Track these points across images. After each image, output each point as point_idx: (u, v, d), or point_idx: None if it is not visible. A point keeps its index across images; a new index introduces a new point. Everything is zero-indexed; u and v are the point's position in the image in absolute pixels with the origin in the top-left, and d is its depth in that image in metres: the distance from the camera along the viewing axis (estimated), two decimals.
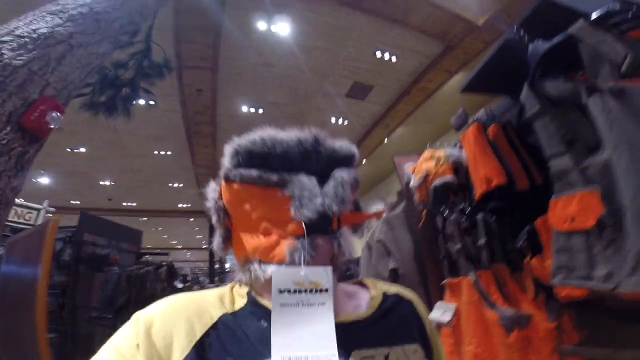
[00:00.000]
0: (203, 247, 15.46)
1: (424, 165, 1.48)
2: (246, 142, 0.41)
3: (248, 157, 0.41)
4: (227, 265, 11.68)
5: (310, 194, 0.39)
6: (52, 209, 3.03)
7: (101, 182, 9.18)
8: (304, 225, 0.38)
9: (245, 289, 0.44)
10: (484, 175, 1.16)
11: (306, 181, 0.40)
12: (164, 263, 2.92)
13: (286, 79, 6.11)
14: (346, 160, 0.45)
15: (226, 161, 0.43)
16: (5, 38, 1.35)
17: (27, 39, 1.40)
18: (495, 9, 4.64)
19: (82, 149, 7.42)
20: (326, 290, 0.38)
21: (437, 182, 1.38)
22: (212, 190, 0.46)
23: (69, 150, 7.29)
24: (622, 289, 0.64)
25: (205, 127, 7.11)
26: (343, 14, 4.96)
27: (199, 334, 0.37)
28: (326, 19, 5.07)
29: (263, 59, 5.73)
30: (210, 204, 0.46)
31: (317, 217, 0.38)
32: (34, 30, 1.46)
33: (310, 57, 5.65)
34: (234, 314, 0.41)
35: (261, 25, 5.12)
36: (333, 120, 7.15)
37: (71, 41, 1.59)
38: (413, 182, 1.50)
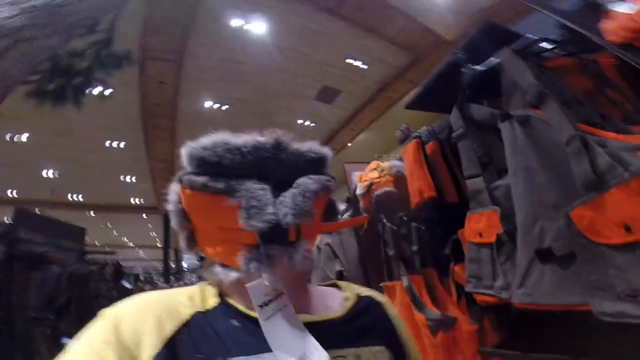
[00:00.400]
0: (157, 245, 14.69)
1: (369, 175, 1.56)
2: (198, 147, 0.40)
3: (199, 162, 0.40)
4: (184, 265, 11.23)
5: (259, 204, 0.37)
6: None
7: (43, 172, 8.42)
8: (256, 235, 0.37)
9: (215, 290, 0.44)
10: (418, 187, 1.24)
11: (255, 189, 0.38)
12: (109, 262, 2.77)
13: (256, 77, 6.05)
14: (314, 164, 0.43)
15: (183, 164, 0.41)
16: None
17: None
18: (465, 24, 4.92)
19: (24, 136, 6.79)
20: (282, 293, 0.39)
21: (379, 191, 1.47)
22: (173, 192, 0.44)
23: (8, 136, 6.63)
24: (514, 299, 0.72)
25: (165, 121, 6.83)
26: (320, 18, 5.02)
27: (169, 331, 0.37)
28: (304, 21, 5.11)
29: (232, 55, 5.64)
30: (170, 206, 0.45)
31: (269, 228, 0.37)
32: None
33: (283, 57, 5.65)
34: (206, 312, 0.40)
35: (236, 22, 5.04)
36: (300, 121, 7.18)
37: (16, 36, 1.55)
38: (359, 190, 1.57)
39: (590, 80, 0.80)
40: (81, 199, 10.13)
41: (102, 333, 0.36)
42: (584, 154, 0.55)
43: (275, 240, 0.38)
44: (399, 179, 1.46)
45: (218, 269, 0.41)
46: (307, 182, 0.40)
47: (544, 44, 0.87)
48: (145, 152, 7.73)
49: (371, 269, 1.58)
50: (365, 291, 0.53)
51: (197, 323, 0.39)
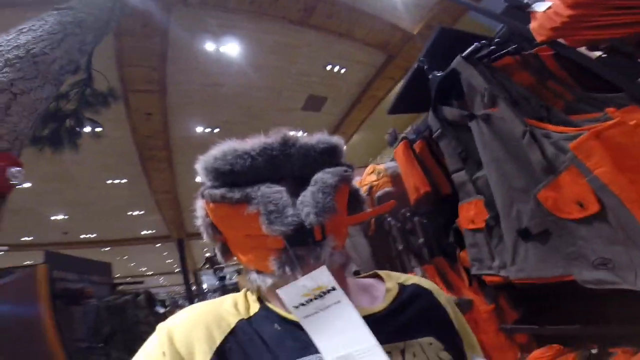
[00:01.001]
0: (175, 270, 14.80)
1: (368, 179, 1.68)
2: (209, 159, 0.41)
3: (215, 174, 0.40)
4: (204, 286, 11.28)
5: (277, 207, 0.37)
6: (5, 247, 2.87)
7: (52, 217, 8.54)
8: (282, 238, 0.37)
9: (255, 295, 0.45)
10: (413, 185, 1.36)
11: (270, 193, 0.38)
12: (141, 291, 2.93)
13: (238, 98, 6.17)
14: (327, 155, 0.42)
15: (201, 179, 0.43)
16: None
17: None
18: (427, 17, 5.08)
19: (27, 184, 6.90)
20: (333, 288, 0.37)
21: (380, 192, 1.58)
22: (199, 208, 0.45)
23: None
24: (510, 276, 0.83)
25: (160, 152, 6.92)
26: (291, 31, 5.15)
27: (218, 340, 0.38)
28: (275, 37, 5.23)
29: (213, 79, 5.74)
30: (199, 221, 0.45)
31: (293, 230, 0.36)
32: None
33: (262, 75, 5.76)
34: (249, 319, 0.41)
35: (209, 46, 5.16)
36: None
37: (13, 89, 1.56)
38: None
39: (533, 75, 0.91)
40: (93, 237, 10.26)
41: (159, 345, 0.38)
42: (535, 145, 0.67)
43: (301, 241, 0.37)
44: (396, 179, 1.57)
45: (254, 276, 0.42)
46: (324, 176, 0.39)
47: (491, 46, 0.99)
48: (148, 185, 7.83)
49: (384, 265, 1.69)
50: (411, 279, 0.51)
51: (243, 330, 0.40)
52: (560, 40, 0.82)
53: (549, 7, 0.79)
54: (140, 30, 4.51)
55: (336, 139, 0.45)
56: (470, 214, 0.96)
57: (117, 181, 7.64)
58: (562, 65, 0.91)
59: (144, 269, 15.90)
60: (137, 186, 7.85)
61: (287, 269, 0.38)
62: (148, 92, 5.64)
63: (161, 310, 3.38)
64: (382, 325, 0.40)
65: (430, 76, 1.19)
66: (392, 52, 5.75)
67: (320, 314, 0.36)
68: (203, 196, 0.42)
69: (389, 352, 0.37)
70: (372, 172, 1.67)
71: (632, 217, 0.51)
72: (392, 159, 1.73)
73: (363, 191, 1.64)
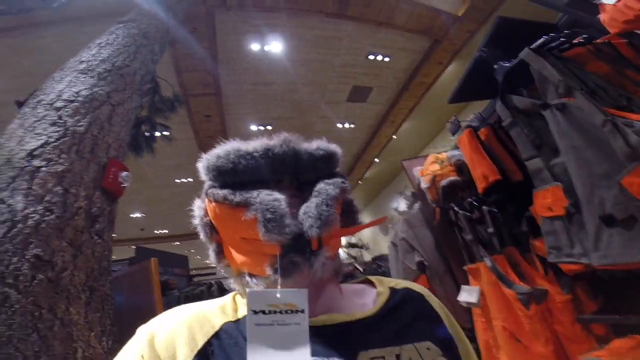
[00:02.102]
0: None
1: (430, 168, 1.69)
2: (212, 157, 0.41)
3: (216, 173, 0.41)
4: None
5: (275, 216, 0.37)
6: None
7: (131, 215, 9.70)
8: (278, 246, 0.37)
9: (246, 297, 0.44)
10: (481, 173, 1.36)
11: (270, 201, 0.38)
12: (213, 282, 3.24)
13: (287, 94, 6.38)
14: (325, 162, 0.43)
15: (202, 176, 0.43)
16: (58, 104, 1.47)
17: (76, 103, 1.50)
18: None
19: None
20: (302, 311, 0.36)
21: (444, 182, 1.59)
22: (198, 207, 0.46)
23: None
24: (593, 262, 0.82)
25: None
26: (330, 24, 5.20)
27: (200, 342, 0.38)
28: (315, 31, 5.32)
29: (261, 78, 6.00)
30: (196, 220, 0.46)
31: (290, 239, 0.37)
32: (77, 93, 1.56)
33: (306, 70, 5.90)
34: (237, 321, 0.41)
35: (254, 46, 5.41)
36: (339, 125, 7.37)
37: (110, 100, 1.69)
38: (423, 184, 1.71)
39: (609, 64, 0.89)
40: (166, 232, 11.42)
41: (138, 348, 0.37)
42: (617, 133, 0.68)
43: (298, 250, 0.38)
44: (460, 167, 1.58)
45: (247, 279, 0.42)
46: (326, 188, 0.40)
47: (560, 38, 0.97)
48: None
49: (450, 255, 1.70)
50: (401, 283, 0.50)
51: (228, 333, 0.39)
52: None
53: (619, 0, 0.79)
54: (190, 37, 4.85)
55: (334, 147, 0.45)
56: (547, 201, 0.97)
57: (184, 180, 8.41)
58: (638, 50, 0.88)
59: (208, 261, 17.29)
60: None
61: (280, 276, 0.37)
62: (206, 95, 6.07)
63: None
64: (374, 328, 0.41)
65: (495, 66, 1.19)
66: (437, 37, 5.51)
67: (275, 327, 0.36)
68: (207, 195, 0.42)
69: (382, 358, 0.37)
70: (434, 162, 1.69)
71: None
72: (454, 147, 1.73)
73: (426, 181, 1.70)
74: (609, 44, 0.93)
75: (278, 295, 0.36)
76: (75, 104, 1.51)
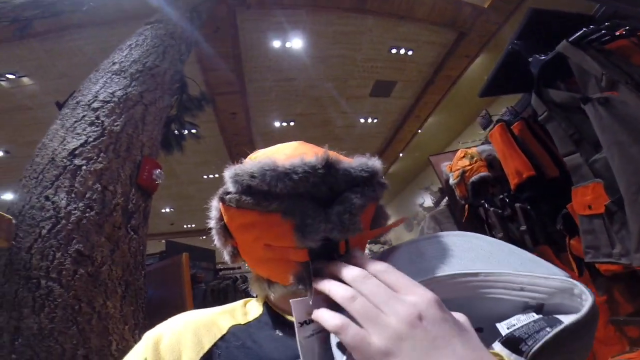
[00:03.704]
0: None
1: (459, 164, 1.65)
2: (245, 174, 0.38)
3: (248, 189, 0.38)
4: None
5: (313, 221, 0.36)
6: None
7: (163, 210, 10.15)
8: (306, 252, 0.37)
9: (260, 302, 0.45)
10: (514, 169, 1.31)
11: (309, 208, 0.37)
12: (239, 276, 3.33)
13: (308, 90, 6.39)
14: (367, 181, 0.41)
15: (227, 184, 0.41)
16: (95, 105, 1.54)
17: (112, 104, 1.56)
18: None
19: None
20: None
21: (475, 177, 1.55)
22: (214, 209, 0.45)
23: None
24: (635, 263, 0.79)
25: (245, 147, 7.47)
26: (350, 19, 5.13)
27: (207, 345, 0.38)
28: (335, 27, 5.27)
29: (284, 74, 6.04)
30: (211, 223, 0.45)
31: (321, 245, 0.37)
32: (113, 94, 1.61)
33: (327, 66, 5.87)
34: (247, 324, 0.41)
35: (276, 43, 5.45)
36: (362, 120, 7.31)
37: (143, 100, 1.74)
38: (452, 180, 1.67)
39: None
40: (193, 227, 11.86)
41: (143, 351, 0.37)
42: None
43: (325, 255, 0.37)
44: (492, 162, 1.52)
45: (264, 285, 0.42)
46: (353, 197, 0.38)
47: (601, 30, 0.91)
48: None
49: None
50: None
51: (236, 335, 0.39)
52: None
53: None
54: (213, 36, 4.88)
55: (377, 164, 0.42)
56: (587, 198, 0.92)
57: (211, 176, 8.68)
58: None
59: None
60: None
61: (303, 285, 0.36)
62: (231, 93, 6.20)
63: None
64: None
65: (530, 59, 1.14)
66: (462, 29, 5.29)
67: (314, 337, 0.34)
68: (224, 201, 0.40)
69: None
70: (463, 157, 1.64)
71: None
72: (485, 142, 1.68)
73: (455, 177, 1.65)
74: None
75: (311, 303, 0.35)
76: (111, 104, 1.57)
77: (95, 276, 1.17)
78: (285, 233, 0.37)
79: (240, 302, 0.47)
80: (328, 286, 0.33)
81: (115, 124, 1.52)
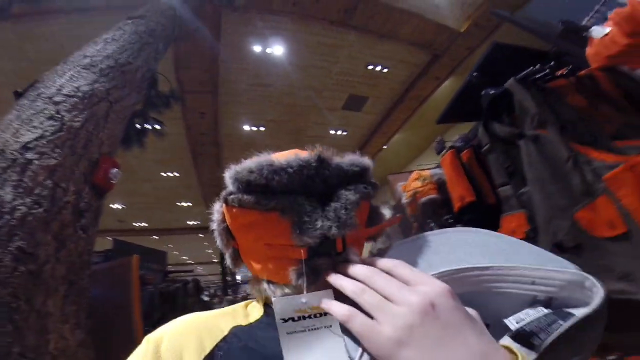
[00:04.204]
0: (214, 261, 15.80)
1: (413, 185, 1.78)
2: (243, 171, 0.40)
3: (247, 186, 0.40)
4: (238, 277, 11.96)
5: (310, 219, 0.38)
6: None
7: (112, 206, 9.52)
8: (305, 250, 0.38)
9: (260, 303, 0.45)
10: (459, 193, 1.44)
11: (306, 205, 0.38)
12: (190, 279, 3.24)
13: (283, 97, 6.45)
14: (358, 177, 0.43)
15: (227, 184, 0.42)
16: (58, 98, 1.48)
17: (75, 99, 1.52)
18: (474, 16, 4.95)
19: None
20: (327, 314, 0.36)
21: (424, 199, 1.68)
22: (216, 212, 0.46)
23: None
24: None
25: (210, 148, 7.44)
26: (333, 32, 5.30)
27: (208, 347, 0.38)
28: (318, 38, 5.42)
29: (260, 79, 6.06)
30: (214, 225, 0.46)
31: (319, 242, 0.37)
32: (78, 88, 1.57)
33: (305, 75, 5.99)
34: (249, 325, 0.41)
35: (256, 48, 5.46)
36: (332, 132, 7.47)
37: (109, 98, 1.71)
38: (404, 199, 1.80)
39: (586, 97, 0.96)
40: (145, 225, 11.25)
41: (143, 354, 0.38)
42: (576, 170, 0.76)
43: (323, 253, 0.38)
44: (441, 186, 1.66)
45: (264, 286, 0.42)
46: (347, 194, 0.40)
47: (546, 70, 1.04)
48: (197, 179, 8.46)
49: None
50: None
51: (238, 337, 0.39)
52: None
53: (606, 34, 0.83)
54: (193, 35, 4.84)
55: (367, 161, 0.45)
56: (512, 225, 1.05)
57: (170, 174, 8.34)
58: (618, 85, 0.94)
59: (185, 258, 17.11)
60: (187, 179, 8.52)
61: (301, 282, 0.37)
62: (202, 93, 6.07)
63: (206, 298, 3.68)
64: None
65: (482, 92, 1.24)
66: (437, 51, 5.67)
67: (307, 333, 0.35)
68: (226, 201, 0.41)
69: None
70: (417, 179, 1.77)
71: None
72: (438, 166, 1.82)
73: (407, 197, 1.77)
74: (591, 76, 1.00)
75: (304, 300, 0.36)
76: (75, 99, 1.53)
77: (36, 274, 1.12)
78: (284, 231, 0.38)
79: (242, 303, 0.47)
80: (339, 281, 0.34)
81: (76, 119, 1.47)
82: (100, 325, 1.43)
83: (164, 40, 2.77)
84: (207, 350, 0.37)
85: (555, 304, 0.35)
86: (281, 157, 0.40)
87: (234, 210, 0.41)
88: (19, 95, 1.54)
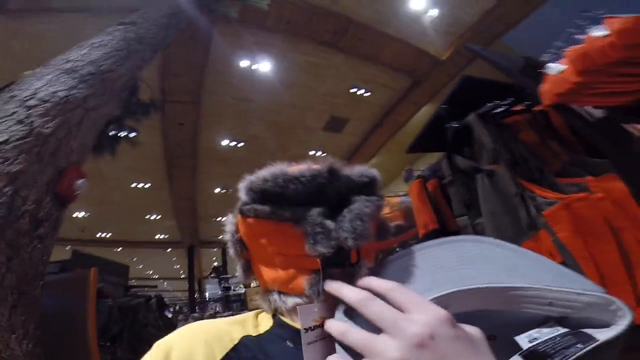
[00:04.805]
0: (181, 277, 15.09)
1: None
2: (258, 180, 0.41)
3: (262, 195, 0.41)
4: (206, 295, 11.48)
5: (323, 230, 0.38)
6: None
7: (75, 214, 9.00)
8: (319, 261, 0.38)
9: (269, 314, 0.45)
10: (423, 221, 1.50)
11: (319, 216, 0.39)
12: (153, 295, 3.11)
13: (267, 114, 6.50)
14: (365, 188, 0.43)
15: (241, 196, 0.43)
16: (31, 102, 1.44)
17: (49, 104, 1.48)
18: (457, 44, 5.26)
19: None
20: None
21: (391, 224, 1.74)
22: (229, 223, 0.46)
23: None
24: None
25: (186, 160, 7.30)
26: (321, 52, 5.48)
27: (218, 356, 0.38)
28: (306, 57, 5.57)
29: (244, 94, 6.09)
30: (227, 236, 0.47)
31: (332, 253, 0.38)
32: (54, 94, 1.53)
33: (290, 93, 6.10)
34: (258, 336, 0.41)
35: (244, 63, 5.53)
36: (312, 152, 7.56)
37: (85, 105, 1.67)
38: None
39: (538, 133, 1.06)
40: (109, 236, 10.67)
41: None
42: (523, 205, 0.84)
43: (337, 263, 0.38)
44: (407, 213, 1.73)
45: (275, 297, 0.42)
46: (361, 205, 0.40)
47: (505, 105, 1.11)
48: (169, 191, 8.21)
49: None
50: None
51: (247, 347, 0.39)
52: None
53: (561, 72, 0.87)
54: (185, 43, 4.84)
55: (375, 172, 0.46)
56: None
57: (141, 185, 8.06)
58: (567, 121, 1.02)
59: (150, 272, 16.25)
60: (158, 191, 8.24)
61: (314, 292, 0.38)
62: (183, 103, 6.01)
63: (169, 315, 3.53)
64: None
65: (447, 125, 1.30)
66: (418, 77, 5.95)
67: (319, 343, 0.35)
68: (241, 212, 0.42)
69: None
70: (385, 205, 1.83)
71: (581, 269, 0.68)
72: (405, 194, 1.90)
73: None
74: (543, 112, 1.08)
75: (315, 310, 0.37)
76: (49, 104, 1.49)
77: None
78: (297, 242, 0.38)
79: (252, 313, 0.47)
80: (327, 323, 0.33)
81: (47, 126, 1.44)
82: (52, 337, 1.35)
83: (152, 48, 2.74)
84: (217, 359, 0.37)
85: (571, 323, 0.32)
86: (294, 169, 0.41)
87: (249, 220, 0.42)
88: None
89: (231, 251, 0.47)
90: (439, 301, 0.30)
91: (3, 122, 1.36)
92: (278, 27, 4.98)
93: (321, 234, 0.38)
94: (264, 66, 5.62)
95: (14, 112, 1.40)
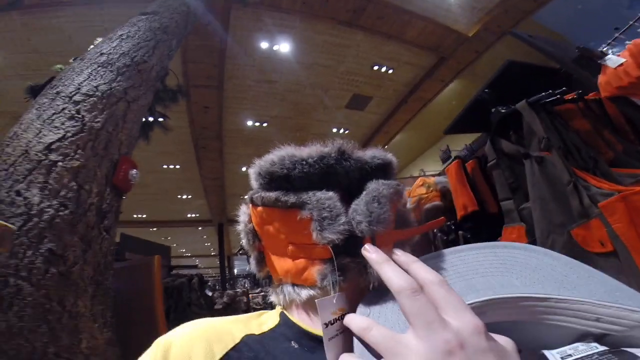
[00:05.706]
0: (211, 254, 15.88)
1: (417, 191, 1.85)
2: (266, 163, 0.39)
3: (270, 179, 0.39)
4: (235, 271, 12.08)
5: (331, 214, 0.35)
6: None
7: None
8: (330, 248, 0.35)
9: (277, 311, 0.43)
10: (462, 203, 1.52)
11: (325, 200, 0.36)
12: (195, 275, 3.31)
13: (288, 94, 6.49)
14: (380, 170, 0.41)
15: (252, 183, 0.41)
16: (77, 97, 1.50)
17: (94, 98, 1.53)
18: (484, 20, 4.97)
19: None
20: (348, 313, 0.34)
21: (428, 205, 1.75)
22: (243, 213, 0.45)
23: None
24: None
25: (213, 142, 7.49)
26: (341, 32, 5.33)
27: (218, 355, 0.36)
28: (325, 37, 5.45)
29: (266, 76, 6.09)
30: (240, 227, 0.45)
31: (343, 239, 0.34)
32: (96, 88, 1.59)
33: (310, 73, 6.03)
34: (261, 335, 0.40)
35: (264, 44, 5.50)
36: (334, 130, 7.52)
37: (127, 97, 1.72)
38: (408, 205, 1.86)
39: (592, 123, 1.03)
40: (144, 217, 11.31)
41: (151, 358, 0.37)
42: (575, 194, 0.83)
43: (350, 252, 0.35)
44: (445, 194, 1.73)
45: (289, 289, 0.40)
46: (379, 187, 0.37)
47: (557, 95, 1.10)
48: (198, 172, 8.52)
49: None
50: None
51: (249, 346, 0.38)
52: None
53: (621, 64, 0.87)
54: (203, 29, 4.83)
55: (390, 156, 0.43)
56: (512, 237, 1.12)
57: (171, 166, 8.39)
58: (622, 111, 1.01)
59: (183, 250, 17.19)
60: (188, 172, 8.57)
61: (327, 283, 0.35)
62: (207, 87, 6.10)
63: (209, 293, 3.74)
64: None
65: (493, 110, 1.28)
66: (444, 54, 5.70)
67: (340, 337, 0.33)
68: (252, 201, 0.41)
69: None
70: (421, 185, 1.84)
71: (633, 260, 0.70)
72: (441, 173, 1.89)
73: (412, 202, 1.84)
74: (598, 100, 1.05)
75: (334, 301, 0.34)
76: (94, 98, 1.54)
77: (66, 275, 1.17)
78: (304, 229, 0.36)
79: (256, 313, 0.45)
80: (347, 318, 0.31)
81: (96, 120, 1.50)
82: (123, 323, 1.49)
83: (177, 37, 2.76)
84: (217, 358, 0.36)
85: (608, 340, 0.29)
86: (302, 150, 0.39)
87: (259, 209, 0.40)
88: (33, 90, 1.57)
89: (244, 242, 0.45)
90: (477, 307, 0.28)
91: (56, 118, 1.43)
92: (294, 7, 4.88)
93: (328, 218, 0.35)
94: (283, 47, 5.56)
95: (64, 109, 1.47)
